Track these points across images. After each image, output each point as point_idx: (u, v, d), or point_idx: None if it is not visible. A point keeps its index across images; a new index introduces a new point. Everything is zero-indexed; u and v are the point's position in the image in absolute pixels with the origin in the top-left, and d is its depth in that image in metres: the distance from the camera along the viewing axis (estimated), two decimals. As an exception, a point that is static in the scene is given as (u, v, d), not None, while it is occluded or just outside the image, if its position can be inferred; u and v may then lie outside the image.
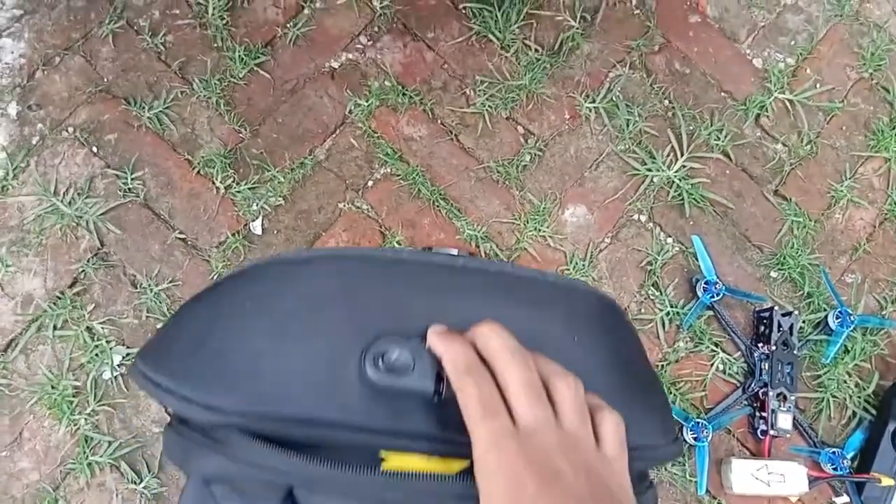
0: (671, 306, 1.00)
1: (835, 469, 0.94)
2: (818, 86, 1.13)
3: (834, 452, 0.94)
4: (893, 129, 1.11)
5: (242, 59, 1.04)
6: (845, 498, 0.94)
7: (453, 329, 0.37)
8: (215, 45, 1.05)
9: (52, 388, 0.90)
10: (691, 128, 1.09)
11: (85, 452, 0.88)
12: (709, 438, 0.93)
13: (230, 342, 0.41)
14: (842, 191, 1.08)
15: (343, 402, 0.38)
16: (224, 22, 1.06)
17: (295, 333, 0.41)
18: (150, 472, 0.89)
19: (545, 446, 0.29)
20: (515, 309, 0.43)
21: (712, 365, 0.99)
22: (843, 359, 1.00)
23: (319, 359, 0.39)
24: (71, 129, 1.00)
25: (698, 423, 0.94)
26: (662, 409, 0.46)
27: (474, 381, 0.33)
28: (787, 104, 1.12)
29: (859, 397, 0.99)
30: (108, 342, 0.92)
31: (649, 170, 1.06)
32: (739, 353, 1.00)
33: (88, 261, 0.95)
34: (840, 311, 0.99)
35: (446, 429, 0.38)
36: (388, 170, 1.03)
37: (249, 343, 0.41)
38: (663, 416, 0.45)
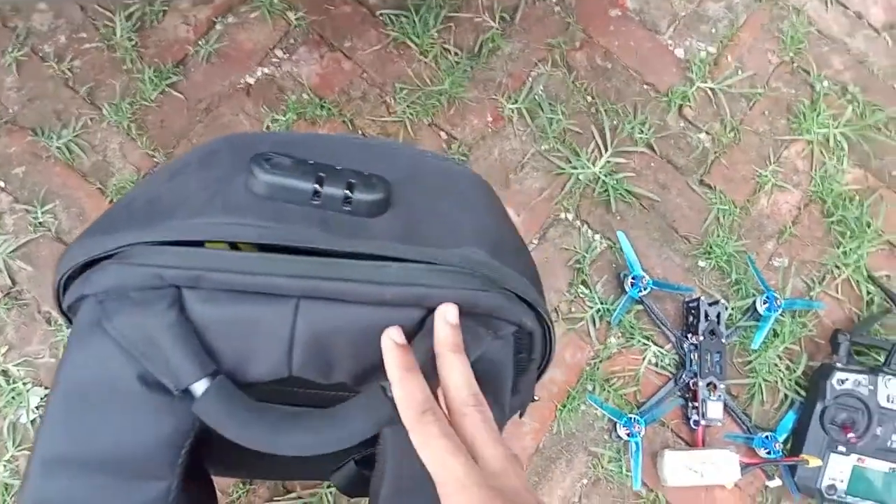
0: (601, 303, 0.98)
1: (768, 453, 0.93)
2: (740, 72, 1.11)
3: (767, 437, 0.93)
4: (815, 110, 1.10)
5: (153, 80, 0.99)
6: (778, 481, 0.93)
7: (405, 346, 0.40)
8: (125, 67, 1.00)
9: (-28, 434, 0.86)
10: (615, 123, 1.06)
11: (5, 501, 0.84)
12: (641, 433, 0.92)
13: (134, 197, 0.46)
14: (766, 176, 1.06)
15: (228, 203, 0.41)
16: (133, 43, 1.01)
17: (190, 172, 0.45)
18: (77, 512, 0.85)
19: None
20: (395, 168, 0.49)
21: (644, 359, 0.97)
22: (773, 343, 0.99)
23: (209, 182, 0.43)
24: (-23, 165, 0.95)
25: (630, 418, 0.92)
26: (534, 268, 0.53)
27: (435, 419, 0.36)
28: (710, 93, 1.10)
29: (790, 380, 0.98)
30: (24, 384, 0.88)
31: (574, 168, 1.03)
32: (671, 345, 0.98)
33: (0, 301, 0.90)
34: (767, 296, 0.97)
35: (327, 230, 0.41)
36: (310, 185, 0.99)
37: (150, 191, 0.46)
38: (535, 276, 0.52)
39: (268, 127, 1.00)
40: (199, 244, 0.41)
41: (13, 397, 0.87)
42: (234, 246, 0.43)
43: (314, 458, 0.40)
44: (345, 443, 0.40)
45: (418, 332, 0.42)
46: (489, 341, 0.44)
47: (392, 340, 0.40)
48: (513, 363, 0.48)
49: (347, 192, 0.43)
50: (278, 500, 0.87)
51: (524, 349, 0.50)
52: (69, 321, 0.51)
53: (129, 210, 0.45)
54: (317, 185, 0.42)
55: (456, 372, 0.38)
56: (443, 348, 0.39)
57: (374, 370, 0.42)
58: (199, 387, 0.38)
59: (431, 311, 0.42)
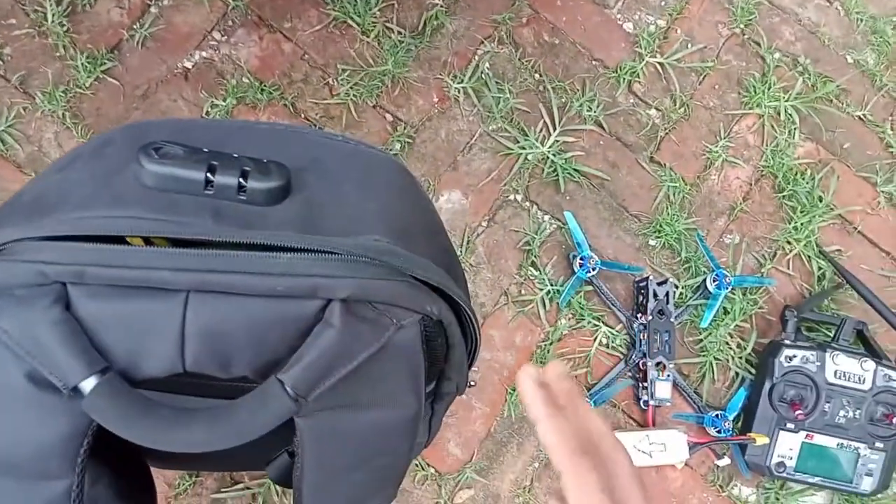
0: (551, 285, 0.97)
1: (718, 432, 0.92)
2: (689, 46, 1.09)
3: (717, 416, 0.92)
4: (765, 83, 1.08)
5: (87, 66, 0.96)
6: (727, 460, 0.92)
7: None
8: (57, 54, 0.97)
9: None
10: (563, 100, 1.04)
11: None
12: (591, 414, 0.90)
13: (25, 189, 0.44)
14: (717, 151, 1.04)
15: (116, 196, 0.40)
16: (65, 29, 0.97)
17: (79, 164, 0.43)
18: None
19: None
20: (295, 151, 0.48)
21: (595, 340, 0.96)
22: (723, 321, 0.98)
23: (98, 174, 0.42)
24: None
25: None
26: (452, 254, 0.55)
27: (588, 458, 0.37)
28: (659, 68, 1.07)
29: (740, 358, 0.97)
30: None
31: (522, 148, 1.01)
32: (621, 325, 0.97)
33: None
34: (716, 274, 0.96)
35: (219, 221, 0.40)
36: (252, 171, 0.96)
37: (39, 183, 0.44)
38: (451, 262, 0.53)
39: (207, 112, 0.97)
40: (88, 239, 0.39)
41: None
42: (123, 240, 0.42)
43: (243, 450, 0.39)
44: (242, 438, 0.39)
45: (316, 323, 0.40)
46: (392, 331, 0.42)
47: (532, 380, 0.40)
48: (423, 351, 0.46)
49: (241, 180, 0.42)
50: (226, 491, 0.86)
51: (437, 335, 0.48)
52: None
53: (17, 205, 0.43)
54: (209, 174, 0.40)
55: None
56: None
57: (276, 364, 0.40)
58: (88, 384, 0.37)
59: (329, 301, 0.40)
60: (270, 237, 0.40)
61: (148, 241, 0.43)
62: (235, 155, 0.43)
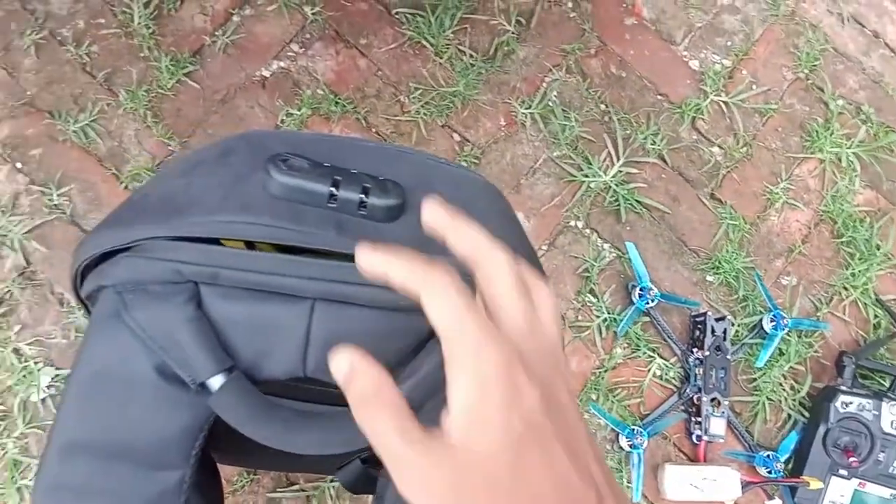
0: (608, 313, 0.97)
1: (769, 472, 0.91)
2: (754, 87, 1.09)
3: (768, 456, 0.91)
4: (828, 129, 1.08)
5: (170, 68, 0.98)
6: (778, 501, 0.91)
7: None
8: (142, 54, 0.99)
9: (-26, 412, 0.85)
10: (627, 132, 1.05)
11: (13, 477, 0.83)
12: (644, 445, 0.90)
13: (147, 192, 0.45)
14: (777, 193, 1.05)
15: (244, 204, 0.40)
16: (150, 31, 1.00)
17: (204, 170, 0.44)
18: (75, 496, 0.84)
19: (517, 363, 0.26)
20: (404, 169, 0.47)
21: (649, 371, 0.96)
22: (777, 362, 0.97)
23: (225, 180, 0.42)
24: (-7, 145, 0.94)
25: (633, 430, 0.90)
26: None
27: (445, 275, 0.27)
28: (723, 106, 1.08)
29: (794, 400, 0.97)
30: (35, 363, 0.87)
31: (586, 175, 1.02)
32: (676, 358, 0.97)
33: (14, 280, 0.90)
34: (774, 315, 0.96)
35: (342, 233, 0.40)
36: (322, 180, 0.98)
37: (164, 185, 0.45)
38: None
39: (282, 121, 0.99)
40: (216, 241, 0.40)
41: (24, 376, 0.86)
42: (250, 245, 0.43)
43: (323, 456, 0.40)
44: (356, 444, 0.40)
45: (430, 338, 0.41)
46: None
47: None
48: None
49: (363, 196, 0.42)
50: (282, 492, 0.86)
51: None
52: (87, 309, 0.50)
53: (145, 205, 0.44)
54: (333, 189, 0.41)
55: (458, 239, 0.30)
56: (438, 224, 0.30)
57: (388, 369, 0.41)
58: (216, 382, 0.38)
59: None
60: None
61: (251, 245, 0.44)
62: (354, 171, 0.45)
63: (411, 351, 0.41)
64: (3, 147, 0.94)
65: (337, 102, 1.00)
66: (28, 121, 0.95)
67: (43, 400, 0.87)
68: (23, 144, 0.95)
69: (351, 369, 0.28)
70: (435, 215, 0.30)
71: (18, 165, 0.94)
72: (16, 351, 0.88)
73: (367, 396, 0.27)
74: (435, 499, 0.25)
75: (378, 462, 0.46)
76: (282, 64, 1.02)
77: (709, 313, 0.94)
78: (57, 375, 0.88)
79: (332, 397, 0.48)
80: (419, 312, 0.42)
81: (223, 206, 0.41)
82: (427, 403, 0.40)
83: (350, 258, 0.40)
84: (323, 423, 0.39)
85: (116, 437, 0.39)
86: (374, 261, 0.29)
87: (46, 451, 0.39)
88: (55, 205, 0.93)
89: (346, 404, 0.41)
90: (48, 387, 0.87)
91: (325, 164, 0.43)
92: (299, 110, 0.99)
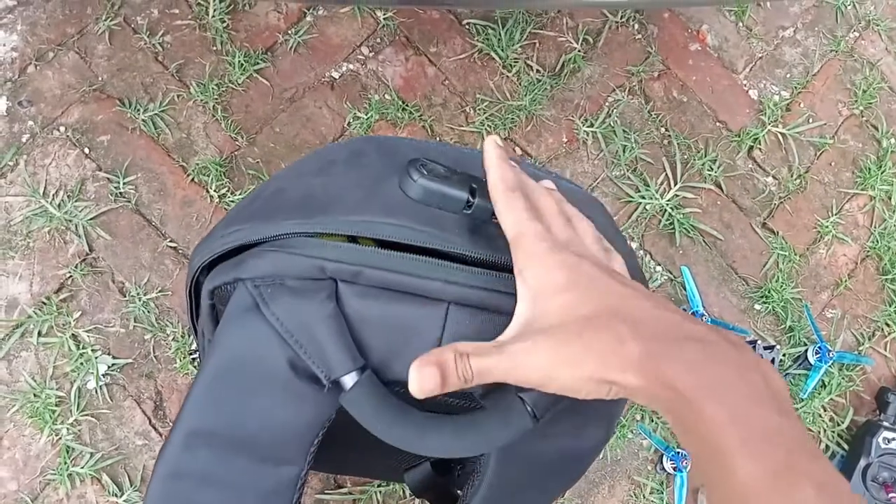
0: (657, 334, 0.96)
1: (806, 501, 0.91)
2: (811, 121, 1.09)
3: (806, 485, 0.91)
4: (880, 167, 1.08)
5: (242, 64, 0.97)
6: (815, 531, 0.91)
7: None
8: (214, 48, 0.98)
9: (35, 396, 0.84)
10: (686, 157, 1.04)
11: (66, 463, 0.82)
12: (688, 468, 0.90)
13: (282, 187, 0.45)
14: (827, 226, 1.04)
15: (385, 204, 0.40)
16: (224, 25, 0.98)
17: (339, 170, 0.44)
18: (131, 485, 0.83)
19: (567, 249, 0.34)
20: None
21: (694, 394, 0.95)
22: (819, 393, 0.97)
23: (363, 180, 0.42)
24: (63, 129, 0.93)
25: (678, 452, 0.90)
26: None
27: (521, 195, 0.36)
28: (780, 137, 1.07)
29: (833, 432, 0.97)
30: (93, 351, 0.86)
31: (643, 197, 1.01)
32: (721, 383, 0.96)
33: (76, 266, 0.88)
34: (819, 347, 0.95)
35: (476, 241, 0.40)
36: (385, 185, 0.97)
37: (299, 182, 0.45)
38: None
39: (349, 123, 0.98)
40: (353, 240, 0.40)
41: (81, 363, 0.85)
42: (383, 245, 0.42)
43: (395, 457, 0.39)
44: (485, 448, 0.39)
45: None
46: None
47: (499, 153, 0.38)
48: None
49: None
50: (329, 494, 0.86)
51: None
52: (195, 303, 0.49)
53: (283, 200, 0.44)
54: (469, 196, 0.40)
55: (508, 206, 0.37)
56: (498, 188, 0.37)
57: (504, 384, 0.41)
58: (349, 379, 0.38)
59: None
60: None
61: (383, 245, 0.43)
62: (483, 179, 0.44)
63: None
64: (73, 132, 0.93)
65: (404, 108, 0.99)
66: (98, 107, 0.94)
67: (99, 388, 0.86)
68: (92, 130, 0.93)
69: (435, 368, 0.33)
70: (497, 152, 0.38)
71: (87, 151, 0.92)
72: (74, 337, 0.87)
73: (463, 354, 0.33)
74: (550, 360, 0.31)
75: (445, 467, 0.46)
76: (351, 66, 1.00)
77: (758, 342, 0.94)
78: (114, 364, 0.87)
79: (442, 407, 0.47)
80: None
81: (365, 207, 0.41)
82: (552, 408, 0.40)
83: (482, 264, 0.40)
84: (454, 426, 0.39)
85: (241, 428, 0.39)
86: (492, 153, 0.38)
87: (170, 437, 0.39)
88: (121, 193, 0.91)
89: (445, 412, 0.41)
90: (104, 375, 0.86)
91: (460, 171, 0.42)
92: (366, 114, 0.98)
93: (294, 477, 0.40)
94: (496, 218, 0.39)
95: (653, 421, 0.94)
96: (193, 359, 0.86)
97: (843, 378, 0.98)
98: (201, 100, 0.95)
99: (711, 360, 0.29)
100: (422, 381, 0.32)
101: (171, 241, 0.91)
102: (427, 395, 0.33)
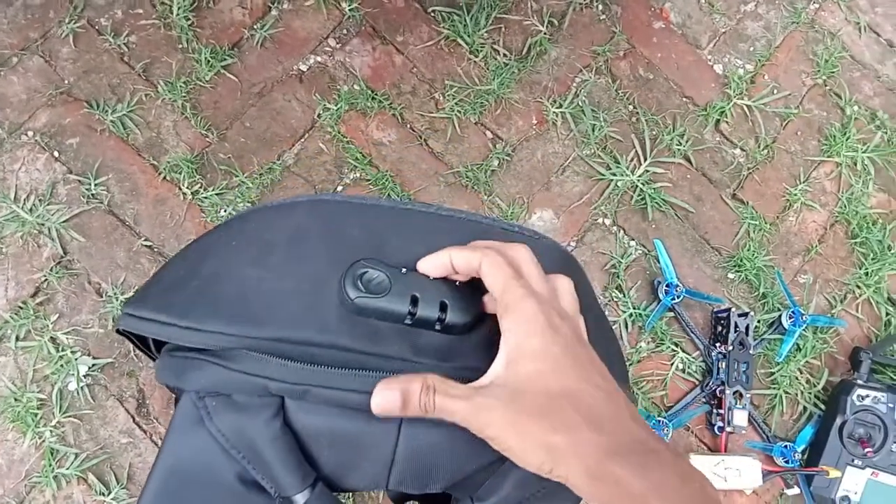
0: (634, 308, 0.98)
1: (786, 462, 0.93)
2: (775, 92, 1.11)
3: (786, 446, 0.94)
4: (845, 134, 1.10)
5: (209, 61, 0.97)
6: (796, 490, 0.94)
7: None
8: (180, 46, 0.98)
9: (16, 400, 0.84)
10: (654, 133, 1.06)
11: (51, 465, 0.83)
12: (669, 436, 0.92)
13: (218, 272, 0.42)
14: (796, 194, 1.06)
15: (323, 322, 0.38)
16: (189, 23, 0.99)
17: (277, 262, 0.41)
18: (118, 483, 0.84)
19: (551, 310, 0.36)
20: None
21: (672, 364, 0.97)
22: (795, 356, 0.99)
23: (301, 284, 0.40)
24: (31, 133, 0.93)
25: (659, 421, 0.92)
26: (619, 355, 0.49)
27: (498, 252, 0.37)
28: (746, 110, 1.09)
29: (810, 393, 0.99)
30: (73, 352, 0.86)
31: (614, 174, 1.03)
32: (698, 352, 0.98)
33: (51, 269, 0.89)
34: (793, 311, 0.98)
35: (418, 354, 0.39)
36: (358, 174, 0.98)
37: (235, 272, 0.42)
38: (621, 362, 0.49)
39: (318, 115, 0.99)
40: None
41: (61, 365, 0.85)
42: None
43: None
44: None
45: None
46: None
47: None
48: None
49: (441, 313, 0.41)
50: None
51: None
52: (133, 342, 0.48)
53: (212, 295, 0.42)
54: (410, 307, 0.39)
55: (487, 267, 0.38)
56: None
57: (468, 479, 0.41)
58: (301, 498, 0.38)
59: None
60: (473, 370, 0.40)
61: None
62: (432, 279, 0.42)
63: (492, 465, 0.41)
64: (41, 136, 0.93)
65: (373, 98, 1.00)
66: (65, 110, 0.94)
67: (80, 389, 0.86)
68: (60, 133, 0.93)
69: (399, 395, 0.35)
70: (448, 259, 0.39)
71: (56, 154, 0.92)
72: (53, 340, 0.87)
73: (425, 390, 0.35)
74: (503, 418, 0.33)
75: None
76: (319, 59, 1.01)
77: (732, 309, 0.96)
78: (94, 365, 0.87)
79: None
80: None
81: (301, 322, 0.39)
82: None
83: None
84: None
85: None
86: (439, 259, 0.39)
87: None
88: (93, 194, 0.92)
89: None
90: (85, 376, 0.87)
91: (403, 272, 0.41)
92: (336, 105, 0.99)
93: None
94: (439, 324, 0.39)
95: (634, 393, 0.96)
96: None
97: (817, 341, 1.00)
98: (170, 98, 0.96)
99: (657, 465, 0.32)
100: (383, 401, 0.34)
101: (145, 240, 0.91)
102: (384, 414, 0.35)
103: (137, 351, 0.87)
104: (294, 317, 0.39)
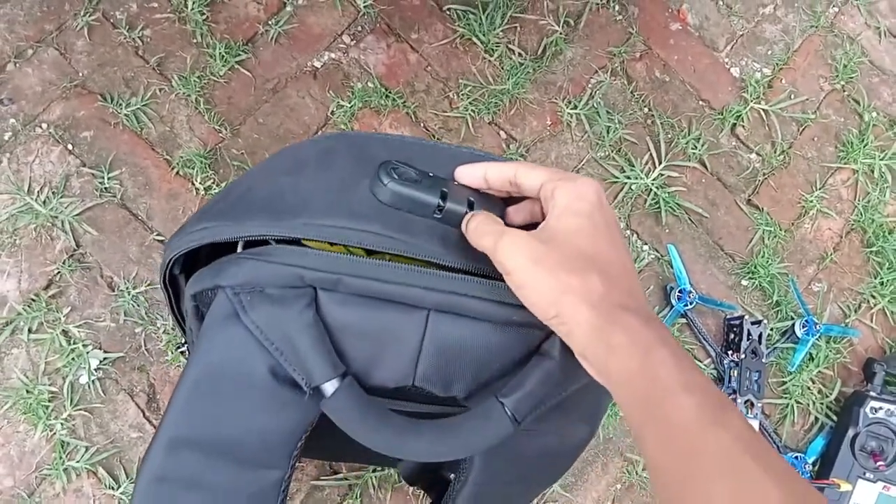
0: (646, 313, 0.98)
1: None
2: (792, 97, 1.11)
3: (797, 457, 0.94)
4: (862, 140, 1.10)
5: (223, 56, 0.98)
6: (805, 500, 0.94)
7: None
8: (195, 40, 0.99)
9: (27, 392, 0.85)
10: (669, 136, 1.06)
11: (61, 458, 0.84)
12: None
13: (252, 186, 0.45)
14: (812, 201, 1.06)
15: (355, 211, 0.40)
16: (204, 17, 0.99)
17: (310, 172, 0.44)
18: (127, 477, 0.85)
19: (599, 191, 0.39)
20: None
21: (683, 371, 0.97)
22: (807, 366, 0.99)
23: (332, 183, 0.42)
24: (45, 126, 0.94)
25: (669, 428, 0.92)
26: None
27: (532, 164, 0.41)
28: (762, 114, 1.09)
29: (822, 403, 0.99)
30: (84, 346, 0.87)
31: (628, 177, 1.03)
32: (710, 360, 0.98)
33: (64, 262, 0.89)
34: (806, 320, 0.98)
35: (447, 247, 0.40)
36: (371, 173, 0.98)
37: (269, 182, 0.44)
38: None
39: (332, 112, 0.99)
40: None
41: (73, 358, 0.86)
42: (349, 250, 0.43)
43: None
44: (465, 453, 0.40)
45: (531, 354, 0.42)
46: None
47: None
48: None
49: (468, 209, 0.42)
50: (325, 480, 0.87)
51: None
52: (170, 296, 0.50)
53: (251, 200, 0.44)
54: (440, 200, 0.41)
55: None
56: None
57: (488, 386, 0.42)
58: (330, 387, 0.38)
59: (550, 334, 0.41)
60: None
61: (350, 250, 0.43)
62: (456, 182, 0.44)
63: (517, 364, 0.42)
64: (55, 128, 0.93)
65: (387, 96, 1.00)
66: (80, 102, 0.95)
67: (91, 382, 0.87)
68: (74, 126, 0.94)
69: (472, 216, 0.40)
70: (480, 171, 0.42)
71: (70, 147, 0.93)
72: (65, 333, 0.88)
73: (476, 215, 0.40)
74: (529, 253, 0.36)
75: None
76: (333, 55, 1.01)
77: (745, 317, 0.96)
78: (105, 358, 0.88)
79: (432, 411, 0.48)
80: (528, 327, 0.43)
81: (334, 211, 0.41)
82: (533, 412, 0.41)
83: (457, 270, 0.41)
84: (434, 430, 0.40)
85: (224, 433, 0.40)
86: (475, 170, 0.42)
87: (153, 444, 0.40)
88: (106, 188, 0.92)
89: (447, 414, 0.42)
90: (96, 369, 0.88)
91: (431, 175, 0.42)
92: (350, 102, 0.99)
93: (278, 480, 0.41)
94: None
95: (643, 398, 0.96)
96: (182, 351, 0.88)
97: (830, 350, 1.00)
98: (183, 93, 0.96)
99: (660, 325, 0.34)
100: (464, 173, 0.42)
101: (157, 235, 0.92)
102: (459, 177, 0.42)
103: (148, 346, 0.88)
104: (328, 205, 0.41)
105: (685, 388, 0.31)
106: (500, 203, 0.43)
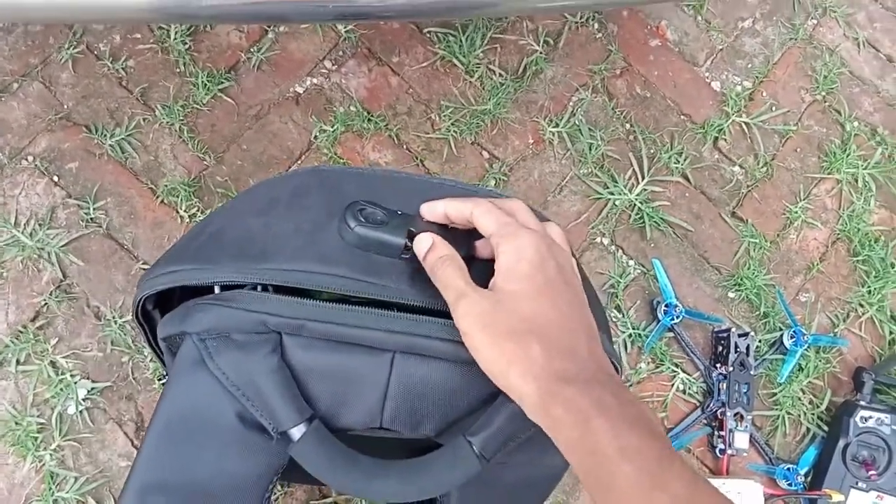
0: (633, 328, 1.00)
1: (789, 484, 0.95)
2: (773, 109, 1.14)
3: (788, 469, 0.95)
4: (845, 150, 1.12)
5: (206, 84, 1.01)
6: (799, 513, 0.95)
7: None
8: (178, 70, 1.02)
9: (16, 424, 0.87)
10: (652, 151, 1.08)
11: (51, 489, 0.85)
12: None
13: (223, 227, 0.46)
14: (796, 212, 1.09)
15: (323, 254, 0.42)
16: (186, 47, 1.02)
17: (280, 212, 0.45)
18: (116, 507, 0.86)
19: (543, 242, 0.40)
20: None
21: (673, 386, 0.99)
22: (797, 377, 1.01)
23: (302, 225, 0.44)
24: (31, 158, 0.96)
25: (659, 443, 0.94)
26: (602, 315, 0.53)
27: (491, 204, 0.43)
28: (744, 127, 1.12)
29: (813, 414, 1.00)
30: (72, 376, 0.89)
31: (611, 193, 1.05)
32: (699, 373, 1.00)
33: (51, 293, 0.92)
34: (794, 331, 1.00)
35: (414, 286, 0.42)
36: (355, 196, 1.01)
37: (240, 222, 0.46)
38: (603, 318, 0.53)
39: (315, 137, 1.02)
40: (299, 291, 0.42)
41: (61, 389, 0.88)
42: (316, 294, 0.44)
43: None
44: (433, 493, 0.42)
45: (500, 391, 0.42)
46: None
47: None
48: None
49: None
50: (315, 503, 0.89)
51: None
52: (145, 332, 0.52)
53: (222, 242, 0.45)
54: (407, 241, 0.42)
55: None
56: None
57: (458, 424, 0.43)
58: (297, 431, 0.40)
59: None
60: None
61: (306, 293, 0.44)
62: (426, 220, 0.45)
63: (485, 402, 0.43)
64: (41, 161, 0.96)
65: (369, 119, 1.03)
66: (65, 134, 0.98)
67: (80, 412, 0.89)
68: (59, 158, 0.97)
69: (432, 243, 0.41)
70: (443, 208, 0.44)
71: (55, 179, 0.96)
72: (52, 364, 0.90)
73: (444, 258, 0.40)
74: (479, 319, 0.37)
75: None
76: (315, 80, 1.05)
77: (732, 329, 0.98)
78: (93, 388, 0.90)
79: (400, 445, 0.50)
80: None
81: (302, 254, 0.42)
82: (501, 450, 0.42)
83: (424, 311, 0.42)
84: (402, 472, 0.41)
85: (195, 479, 0.41)
86: (436, 207, 0.43)
87: (125, 491, 0.41)
88: (91, 218, 0.95)
89: (417, 454, 0.43)
90: (84, 399, 0.89)
91: (399, 213, 0.44)
92: (332, 126, 1.02)
93: None
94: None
95: (633, 414, 0.97)
96: (164, 383, 0.90)
97: (819, 361, 1.02)
98: (167, 122, 0.99)
99: (600, 388, 0.36)
100: (427, 212, 0.44)
101: (143, 264, 0.94)
102: (426, 213, 0.43)
103: (135, 375, 0.90)
104: (297, 249, 0.42)
105: (622, 455, 0.33)
106: (467, 238, 0.45)
